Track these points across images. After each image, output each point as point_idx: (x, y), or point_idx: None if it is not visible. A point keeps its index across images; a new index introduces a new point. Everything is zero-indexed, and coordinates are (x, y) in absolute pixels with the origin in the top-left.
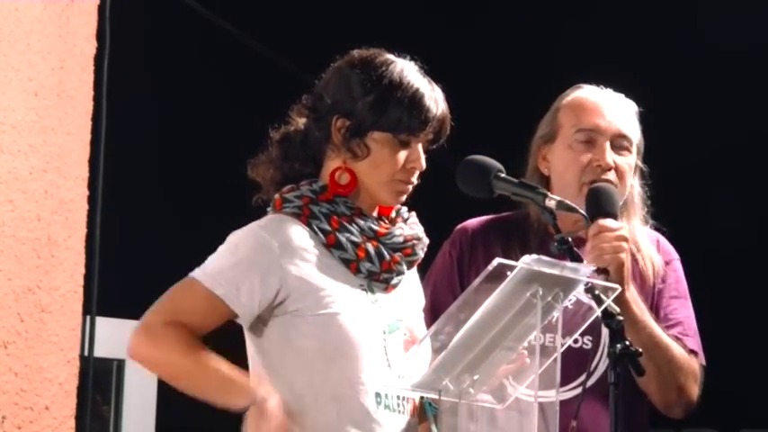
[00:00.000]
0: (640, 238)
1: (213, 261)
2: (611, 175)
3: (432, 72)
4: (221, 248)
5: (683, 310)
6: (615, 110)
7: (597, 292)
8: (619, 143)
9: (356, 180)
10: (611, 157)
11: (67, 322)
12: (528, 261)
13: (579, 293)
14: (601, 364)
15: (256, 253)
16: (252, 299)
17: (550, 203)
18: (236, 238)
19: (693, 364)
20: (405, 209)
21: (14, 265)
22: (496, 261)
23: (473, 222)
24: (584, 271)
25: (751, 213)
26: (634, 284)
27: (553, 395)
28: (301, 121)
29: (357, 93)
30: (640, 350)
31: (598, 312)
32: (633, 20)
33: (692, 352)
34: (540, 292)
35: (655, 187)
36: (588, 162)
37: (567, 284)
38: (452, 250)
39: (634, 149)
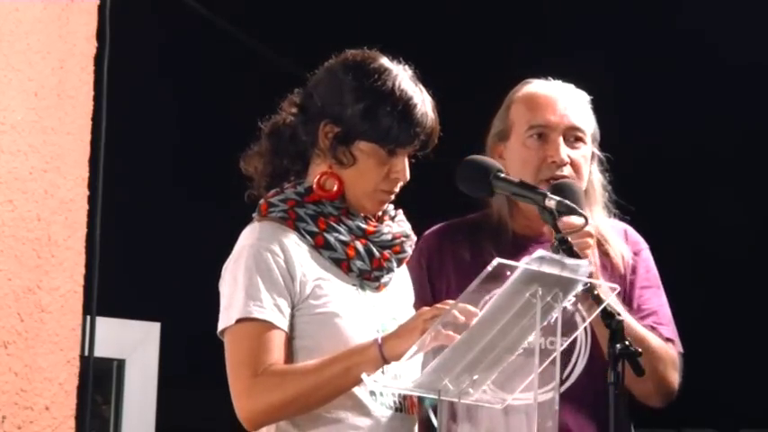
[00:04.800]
0: (606, 231)
1: (240, 295)
2: (567, 170)
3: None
4: (237, 279)
5: (655, 299)
6: (565, 103)
7: (596, 291)
8: (572, 136)
9: (343, 186)
10: (564, 152)
11: (67, 322)
12: (528, 261)
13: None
14: (579, 363)
15: (271, 271)
16: (287, 312)
17: (550, 203)
18: (244, 267)
19: (671, 352)
20: (391, 207)
21: (14, 265)
22: (496, 261)
23: (436, 229)
24: (583, 270)
25: (752, 213)
26: (605, 277)
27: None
28: (291, 116)
29: (348, 99)
30: (640, 350)
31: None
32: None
33: (668, 340)
34: (540, 293)
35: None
36: (543, 159)
37: (567, 284)
38: (421, 258)
39: (588, 139)
